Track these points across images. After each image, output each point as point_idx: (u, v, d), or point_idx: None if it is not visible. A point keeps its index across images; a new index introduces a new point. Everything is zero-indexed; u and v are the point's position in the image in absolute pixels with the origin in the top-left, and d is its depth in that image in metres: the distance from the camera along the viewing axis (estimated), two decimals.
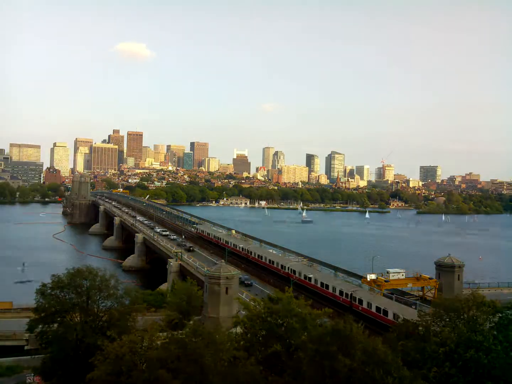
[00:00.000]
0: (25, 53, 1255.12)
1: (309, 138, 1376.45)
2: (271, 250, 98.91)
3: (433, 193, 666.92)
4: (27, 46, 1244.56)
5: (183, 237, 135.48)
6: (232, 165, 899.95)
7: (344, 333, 31.36)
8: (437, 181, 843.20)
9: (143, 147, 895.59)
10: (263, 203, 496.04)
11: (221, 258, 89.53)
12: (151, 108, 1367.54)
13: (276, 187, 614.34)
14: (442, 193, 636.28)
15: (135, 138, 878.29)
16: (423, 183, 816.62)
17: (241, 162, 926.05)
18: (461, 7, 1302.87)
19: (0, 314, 70.77)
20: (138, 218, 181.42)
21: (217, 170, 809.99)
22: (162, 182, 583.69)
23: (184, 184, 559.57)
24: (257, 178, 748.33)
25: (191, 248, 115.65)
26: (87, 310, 46.15)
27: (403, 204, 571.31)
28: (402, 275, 69.73)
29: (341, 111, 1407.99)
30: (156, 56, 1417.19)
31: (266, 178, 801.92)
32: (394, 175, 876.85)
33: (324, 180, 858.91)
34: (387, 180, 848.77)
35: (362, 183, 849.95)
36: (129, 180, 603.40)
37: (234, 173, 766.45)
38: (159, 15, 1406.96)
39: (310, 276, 72.88)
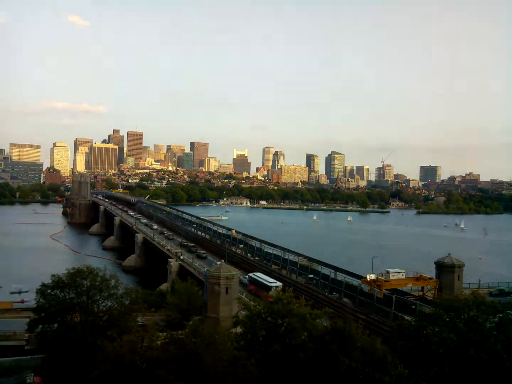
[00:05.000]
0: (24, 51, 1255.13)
1: (309, 138, 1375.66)
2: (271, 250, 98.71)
3: (433, 193, 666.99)
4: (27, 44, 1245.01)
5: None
6: (232, 165, 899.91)
7: (344, 332, 31.41)
8: (437, 181, 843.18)
9: (143, 147, 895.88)
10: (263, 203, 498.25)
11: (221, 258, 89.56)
12: (151, 107, 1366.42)
13: (276, 187, 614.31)
14: (442, 193, 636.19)
15: (135, 138, 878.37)
16: (423, 183, 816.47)
17: (241, 162, 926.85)
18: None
19: (0, 314, 70.68)
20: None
21: (217, 170, 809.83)
22: (162, 182, 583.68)
23: (184, 184, 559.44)
24: (257, 178, 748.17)
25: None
26: (87, 310, 46.17)
27: (403, 204, 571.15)
28: (402, 275, 69.75)
29: (341, 111, 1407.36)
30: (156, 55, 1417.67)
31: (266, 178, 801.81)
32: (394, 175, 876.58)
33: (324, 180, 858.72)
34: (387, 180, 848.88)
35: (362, 183, 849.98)
36: (129, 180, 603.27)
37: (234, 173, 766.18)
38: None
39: None
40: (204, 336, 33.24)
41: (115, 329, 39.08)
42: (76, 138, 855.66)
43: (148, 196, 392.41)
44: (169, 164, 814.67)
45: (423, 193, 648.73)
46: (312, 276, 76.90)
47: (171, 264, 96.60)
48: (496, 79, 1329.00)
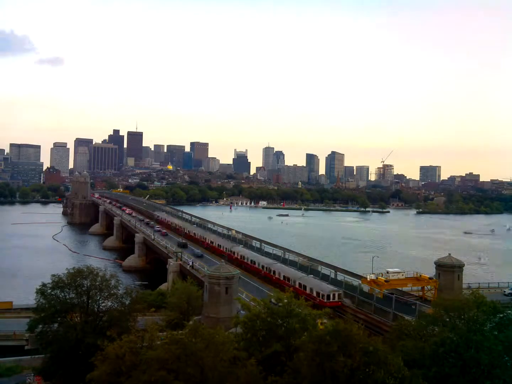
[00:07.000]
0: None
1: (309, 138, 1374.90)
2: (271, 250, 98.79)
3: (433, 193, 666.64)
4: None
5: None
6: (232, 165, 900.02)
7: (344, 333, 31.34)
8: (437, 181, 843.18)
9: (143, 147, 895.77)
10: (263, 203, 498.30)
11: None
12: (151, 107, 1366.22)
13: (276, 187, 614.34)
14: (442, 193, 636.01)
15: (135, 138, 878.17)
16: (423, 183, 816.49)
17: (241, 162, 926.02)
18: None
19: (0, 314, 70.74)
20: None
21: (217, 170, 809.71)
22: (162, 182, 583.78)
23: (184, 184, 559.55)
24: (257, 178, 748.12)
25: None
26: (87, 310, 46.21)
27: (403, 204, 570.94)
28: (402, 275, 69.83)
29: (341, 111, 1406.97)
30: (157, 54, 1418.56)
31: (266, 178, 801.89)
32: (394, 175, 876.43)
33: (324, 180, 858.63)
34: (387, 180, 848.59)
35: (362, 183, 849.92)
36: (129, 180, 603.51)
37: (234, 173, 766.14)
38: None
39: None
40: (204, 336, 33.22)
41: (115, 329, 39.10)
42: (76, 138, 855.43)
43: (148, 196, 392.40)
44: (169, 164, 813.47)
45: (423, 193, 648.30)
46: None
47: (171, 264, 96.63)
48: (496, 78, 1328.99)
